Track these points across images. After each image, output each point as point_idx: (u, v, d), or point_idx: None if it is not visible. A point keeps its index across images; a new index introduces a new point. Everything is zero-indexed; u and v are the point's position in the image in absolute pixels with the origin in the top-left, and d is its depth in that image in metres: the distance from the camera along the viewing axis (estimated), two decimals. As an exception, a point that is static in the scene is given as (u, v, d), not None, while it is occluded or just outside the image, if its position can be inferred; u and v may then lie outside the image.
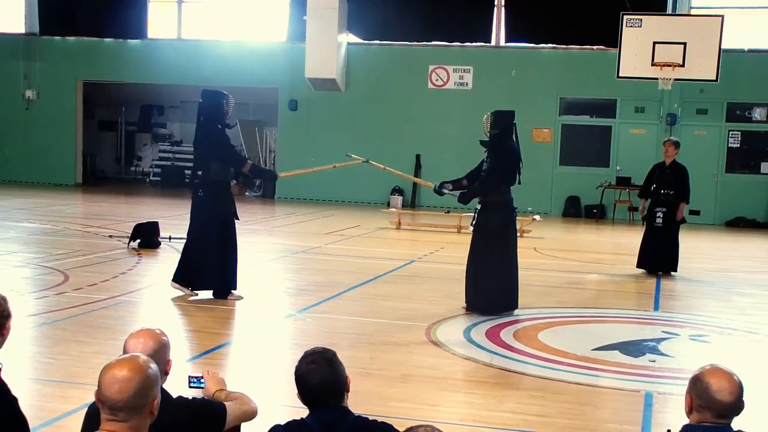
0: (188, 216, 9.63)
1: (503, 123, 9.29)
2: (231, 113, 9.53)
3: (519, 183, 9.32)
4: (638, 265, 12.81)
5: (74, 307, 8.64)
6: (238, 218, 9.55)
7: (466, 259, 9.47)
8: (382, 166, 11.13)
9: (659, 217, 12.57)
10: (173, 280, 9.50)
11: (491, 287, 9.15)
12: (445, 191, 9.52)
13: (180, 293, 9.42)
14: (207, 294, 9.39)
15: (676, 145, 12.85)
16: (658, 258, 12.62)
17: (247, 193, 25.49)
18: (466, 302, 9.36)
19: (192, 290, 9.42)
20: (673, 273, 12.66)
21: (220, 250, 9.23)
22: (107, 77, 25.77)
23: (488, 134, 9.32)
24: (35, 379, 6.32)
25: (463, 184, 9.51)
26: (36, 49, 25.80)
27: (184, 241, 9.78)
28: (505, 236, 9.27)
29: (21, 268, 11.15)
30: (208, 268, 9.25)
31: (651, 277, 12.49)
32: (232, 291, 9.41)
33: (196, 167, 9.71)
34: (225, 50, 24.44)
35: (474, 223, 9.32)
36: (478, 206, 9.32)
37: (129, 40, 25.25)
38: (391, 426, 3.29)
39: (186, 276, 9.42)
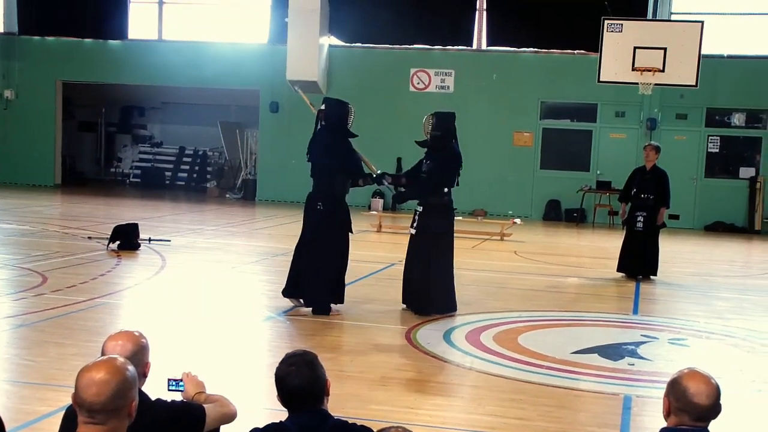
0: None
1: (445, 125, 9.25)
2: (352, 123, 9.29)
3: (457, 185, 9.35)
4: (618, 269, 12.86)
5: (52, 308, 8.58)
6: (352, 231, 9.27)
7: (406, 260, 9.40)
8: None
9: (640, 221, 12.61)
10: (286, 294, 9.18)
11: (440, 289, 9.19)
12: (385, 183, 9.48)
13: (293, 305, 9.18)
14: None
15: (657, 149, 12.92)
16: (638, 262, 12.67)
17: (227, 195, 25.42)
18: (407, 304, 9.34)
19: (303, 302, 9.12)
20: (652, 277, 12.73)
21: (340, 264, 9.06)
22: (87, 78, 25.62)
23: (429, 135, 9.26)
24: (12, 381, 6.27)
25: (402, 182, 9.54)
26: (15, 48, 25.61)
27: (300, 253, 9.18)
28: (449, 238, 9.31)
29: (-1, 269, 11.07)
30: (327, 282, 8.97)
31: (630, 280, 12.54)
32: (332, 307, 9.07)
33: (318, 179, 9.17)
34: (206, 52, 24.36)
35: (416, 225, 9.25)
36: (419, 208, 9.27)
37: (109, 41, 25.12)
38: (370, 429, 3.29)
39: (298, 288, 9.10)
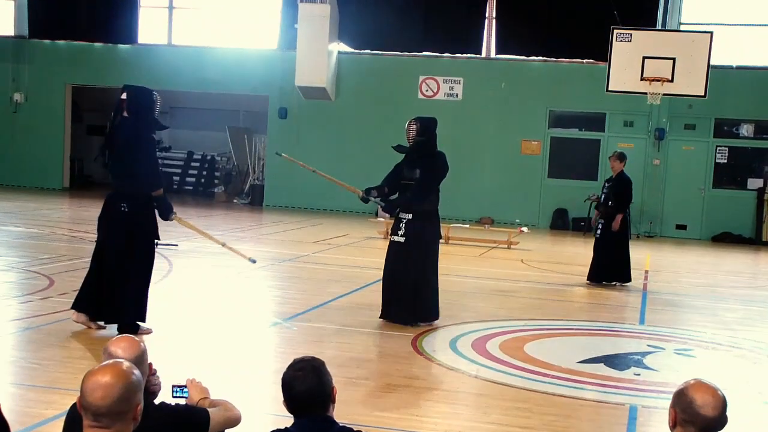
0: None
1: (430, 130, 9.11)
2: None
3: (438, 191, 9.19)
4: (587, 278, 12.96)
5: (59, 312, 8.59)
6: (159, 238, 8.32)
7: (386, 268, 9.12)
8: (311, 167, 10.21)
9: (599, 229, 12.84)
10: (76, 308, 8.01)
11: (428, 297, 9.04)
12: (372, 198, 9.31)
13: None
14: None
15: (620, 158, 13.01)
16: (601, 270, 12.80)
17: (235, 200, 25.45)
18: (388, 316, 9.03)
19: (98, 322, 8.02)
20: (619, 284, 12.78)
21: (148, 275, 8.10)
22: (96, 81, 25.68)
23: (412, 141, 9.10)
24: (18, 384, 6.27)
25: (385, 191, 9.29)
26: (25, 52, 25.70)
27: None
28: (436, 246, 9.23)
29: (6, 272, 11.09)
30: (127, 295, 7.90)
31: (637, 290, 12.52)
32: (140, 324, 7.99)
33: (119, 177, 8.13)
34: (215, 57, 24.42)
35: (404, 233, 9.00)
36: (408, 216, 9.02)
37: (119, 45, 25.19)
38: (375, 436, 3.28)
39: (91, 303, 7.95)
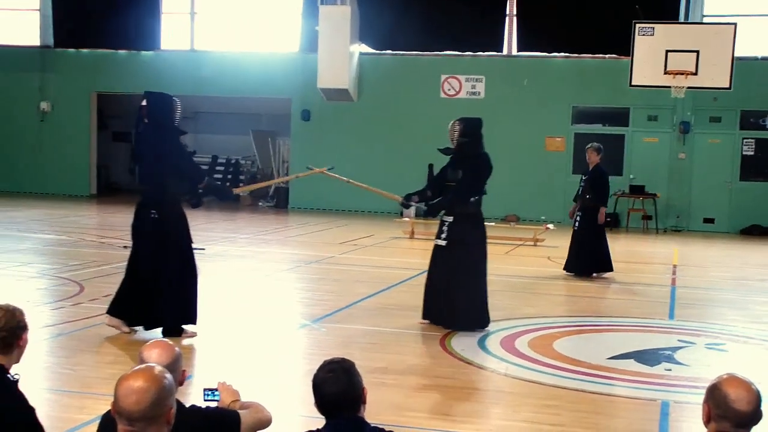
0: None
1: (473, 131, 8.94)
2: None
3: (485, 193, 9.00)
4: (564, 268, 13.19)
5: (90, 317, 8.67)
6: (193, 241, 8.37)
7: (430, 272, 9.00)
8: (345, 178, 10.32)
9: (577, 221, 13.06)
10: (111, 313, 8.03)
11: (473, 303, 8.77)
12: (412, 203, 9.25)
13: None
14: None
15: (597, 150, 13.13)
16: (578, 261, 12.97)
17: (260, 203, 25.54)
18: (431, 319, 8.93)
19: (131, 326, 8.04)
20: (606, 274, 12.94)
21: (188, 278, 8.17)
22: (121, 89, 25.85)
23: (455, 142, 8.95)
24: (52, 390, 6.34)
25: (428, 195, 9.17)
26: (51, 61, 25.95)
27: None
28: (481, 249, 8.94)
29: (37, 279, 11.20)
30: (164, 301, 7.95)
31: (665, 285, 12.45)
32: (184, 327, 8.04)
33: (147, 184, 8.20)
34: (237, 61, 24.53)
35: (446, 236, 8.85)
36: (450, 218, 8.86)
37: (142, 52, 25.36)
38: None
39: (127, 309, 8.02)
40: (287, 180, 10.95)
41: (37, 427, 3.63)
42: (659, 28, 17.92)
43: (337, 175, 10.21)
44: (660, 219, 21.78)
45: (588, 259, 12.93)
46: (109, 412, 2.97)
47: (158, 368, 2.93)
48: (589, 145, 13.46)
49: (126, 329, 7.99)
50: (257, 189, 7.94)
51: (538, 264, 14.42)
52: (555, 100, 22.77)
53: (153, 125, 8.08)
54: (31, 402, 3.68)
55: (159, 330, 7.93)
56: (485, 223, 9.13)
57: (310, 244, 16.49)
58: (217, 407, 3.75)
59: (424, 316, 9.01)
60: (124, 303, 8.01)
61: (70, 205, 23.09)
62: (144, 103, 8.18)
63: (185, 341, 7.80)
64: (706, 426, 3.19)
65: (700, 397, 3.27)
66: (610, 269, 12.98)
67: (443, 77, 23.40)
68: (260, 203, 25.65)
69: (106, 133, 28.73)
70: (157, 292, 7.90)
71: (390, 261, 14.27)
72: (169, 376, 2.92)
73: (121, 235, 15.94)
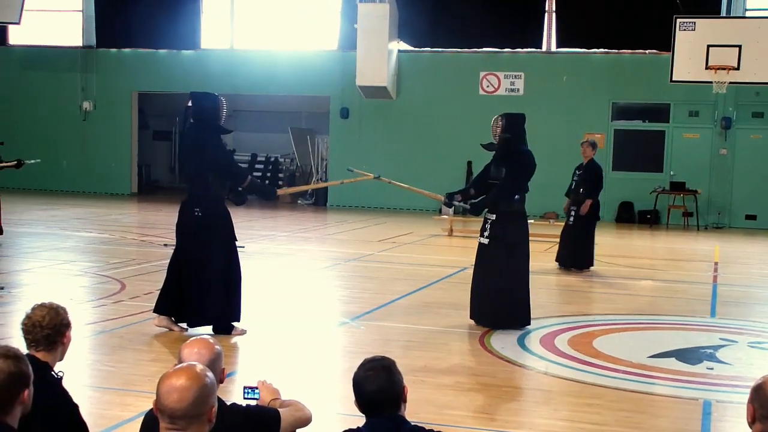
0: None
1: (515, 127, 8.79)
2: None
3: (527, 191, 8.91)
4: (555, 260, 13.34)
5: (131, 315, 8.76)
6: (236, 239, 8.42)
7: (475, 271, 8.93)
8: (388, 180, 10.27)
9: (572, 215, 13.12)
10: (157, 311, 8.16)
11: (514, 301, 8.69)
12: (455, 203, 9.14)
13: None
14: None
15: (593, 145, 13.33)
16: (570, 255, 13.07)
17: (299, 201, 25.64)
18: (477, 319, 8.85)
19: (180, 324, 8.14)
20: (588, 270, 12.96)
21: (231, 275, 8.20)
22: (161, 88, 26.12)
23: (498, 137, 8.82)
24: (95, 387, 6.42)
25: (471, 193, 9.09)
26: (92, 61, 26.26)
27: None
28: (524, 248, 8.83)
29: (79, 277, 11.34)
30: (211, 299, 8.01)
31: (706, 283, 12.31)
32: (234, 324, 8.14)
33: (191, 182, 8.26)
34: (277, 59, 24.65)
35: (488, 234, 8.78)
36: (492, 216, 8.77)
37: (182, 51, 25.58)
38: (446, 435, 3.28)
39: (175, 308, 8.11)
40: (333, 184, 11.03)
41: (81, 424, 3.68)
42: (700, 22, 17.73)
43: (384, 179, 10.20)
44: (701, 216, 21.54)
45: (576, 253, 13.05)
46: (151, 410, 3.01)
47: (200, 366, 2.96)
48: (584, 140, 13.66)
49: (176, 328, 8.07)
50: (303, 189, 8.04)
51: (577, 261, 14.30)
52: (594, 97, 22.62)
53: (198, 125, 8.14)
54: (75, 399, 3.73)
55: (209, 328, 8.00)
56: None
57: (349, 241, 16.53)
58: (257, 405, 3.77)
59: (471, 316, 8.96)
60: (169, 301, 8.09)
61: (112, 203, 23.34)
62: (189, 103, 8.27)
63: (233, 339, 7.87)
64: (750, 426, 3.15)
65: (742, 397, 3.23)
66: (591, 264, 13.13)
67: (482, 74, 23.34)
68: (299, 201, 25.75)
69: (146, 132, 29.02)
70: (202, 290, 7.96)
71: (428, 258, 14.26)
72: (210, 374, 2.94)
73: (161, 233, 16.09)
